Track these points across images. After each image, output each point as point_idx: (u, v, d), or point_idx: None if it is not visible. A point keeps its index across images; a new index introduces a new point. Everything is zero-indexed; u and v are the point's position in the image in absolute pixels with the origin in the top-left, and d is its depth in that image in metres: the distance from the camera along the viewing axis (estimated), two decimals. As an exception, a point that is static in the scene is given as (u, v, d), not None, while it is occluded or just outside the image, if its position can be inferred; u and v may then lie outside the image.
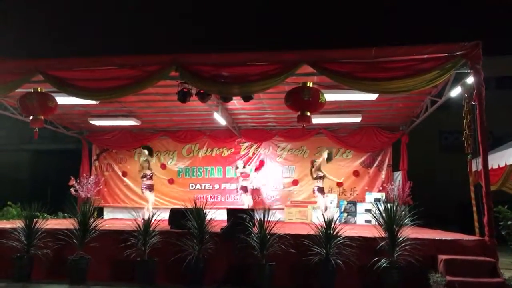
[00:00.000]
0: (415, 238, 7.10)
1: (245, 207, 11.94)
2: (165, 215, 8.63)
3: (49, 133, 14.94)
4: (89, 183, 13.26)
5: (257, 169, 13.49)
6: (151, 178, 11.38)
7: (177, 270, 7.43)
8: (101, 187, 13.78)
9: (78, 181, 13.16)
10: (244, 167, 12.72)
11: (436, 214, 11.79)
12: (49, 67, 8.23)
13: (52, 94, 8.69)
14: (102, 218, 12.97)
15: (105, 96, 8.49)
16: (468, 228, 8.30)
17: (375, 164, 13.09)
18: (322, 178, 11.40)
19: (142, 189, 11.40)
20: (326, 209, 11.14)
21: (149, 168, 11.32)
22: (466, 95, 7.96)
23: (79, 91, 8.24)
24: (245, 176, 12.59)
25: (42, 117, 8.78)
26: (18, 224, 8.05)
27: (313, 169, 11.46)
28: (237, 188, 12.90)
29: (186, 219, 7.66)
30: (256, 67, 7.85)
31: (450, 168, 13.93)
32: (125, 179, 13.81)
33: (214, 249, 7.54)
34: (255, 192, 13.24)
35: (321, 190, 11.36)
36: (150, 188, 11.37)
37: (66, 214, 11.59)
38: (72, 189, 12.88)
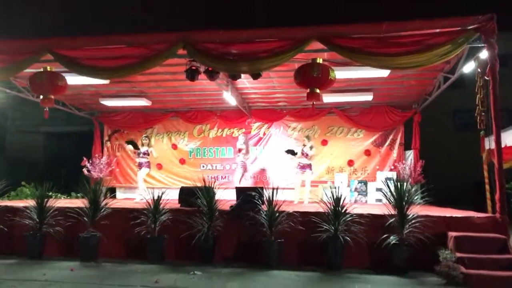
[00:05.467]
0: (425, 215, 7.03)
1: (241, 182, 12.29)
2: (176, 195, 8.68)
3: (62, 116, 15.10)
4: (102, 164, 13.37)
5: (256, 144, 13.57)
6: (145, 155, 11.89)
7: (187, 247, 7.49)
8: (113, 167, 13.89)
9: (90, 161, 13.29)
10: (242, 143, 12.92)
11: (449, 193, 11.68)
12: (58, 45, 8.22)
13: (62, 73, 8.70)
14: (115, 197, 13.10)
15: (114, 74, 8.46)
16: (481, 207, 8.19)
17: (387, 143, 12.92)
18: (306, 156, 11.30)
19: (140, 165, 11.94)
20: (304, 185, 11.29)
21: (148, 145, 12.04)
22: (479, 70, 7.77)
23: (87, 70, 8.25)
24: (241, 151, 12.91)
25: (52, 97, 8.77)
26: (30, 202, 8.18)
27: (303, 148, 11.36)
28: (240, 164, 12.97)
29: (196, 197, 7.70)
30: (265, 43, 7.73)
31: (464, 147, 13.70)
32: (136, 159, 13.86)
33: (223, 227, 7.58)
34: (260, 173, 13.34)
35: (303, 167, 11.28)
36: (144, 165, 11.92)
37: (78, 194, 11.76)
38: (84, 170, 13.02)
